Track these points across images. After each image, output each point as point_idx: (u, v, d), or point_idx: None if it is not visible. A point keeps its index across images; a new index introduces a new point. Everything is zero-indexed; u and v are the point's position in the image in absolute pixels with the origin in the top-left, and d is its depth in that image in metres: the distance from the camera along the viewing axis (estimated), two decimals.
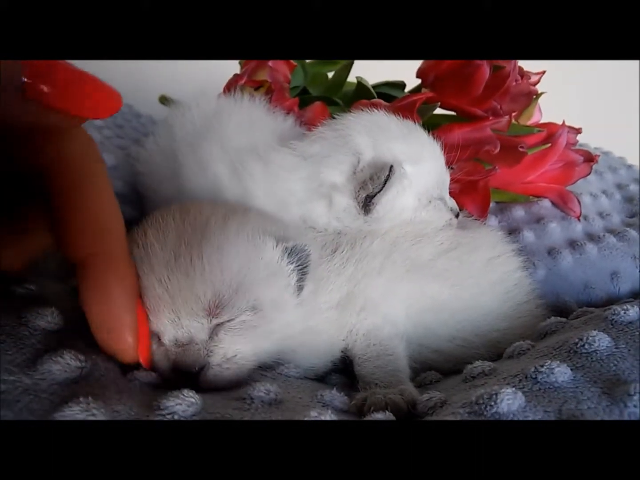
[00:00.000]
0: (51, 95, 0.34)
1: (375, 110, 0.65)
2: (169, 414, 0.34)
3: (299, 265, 0.47)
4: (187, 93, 0.72)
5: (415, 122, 0.67)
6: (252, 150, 0.61)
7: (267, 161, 0.60)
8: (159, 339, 0.43)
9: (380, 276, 0.54)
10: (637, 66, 1.50)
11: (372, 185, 0.58)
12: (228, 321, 0.43)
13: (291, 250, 0.47)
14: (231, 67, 0.85)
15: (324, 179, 0.59)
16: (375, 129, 0.62)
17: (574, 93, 1.43)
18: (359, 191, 0.59)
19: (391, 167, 0.58)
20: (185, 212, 0.45)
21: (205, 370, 0.42)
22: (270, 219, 0.51)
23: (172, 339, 0.42)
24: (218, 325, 0.43)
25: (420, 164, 0.62)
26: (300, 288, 0.48)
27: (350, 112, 0.72)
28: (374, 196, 0.58)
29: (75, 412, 0.31)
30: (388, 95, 0.76)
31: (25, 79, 0.33)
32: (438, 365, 0.54)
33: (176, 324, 0.42)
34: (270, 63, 0.75)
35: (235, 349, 0.43)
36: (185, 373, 0.42)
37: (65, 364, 0.35)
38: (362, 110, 0.66)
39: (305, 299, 0.48)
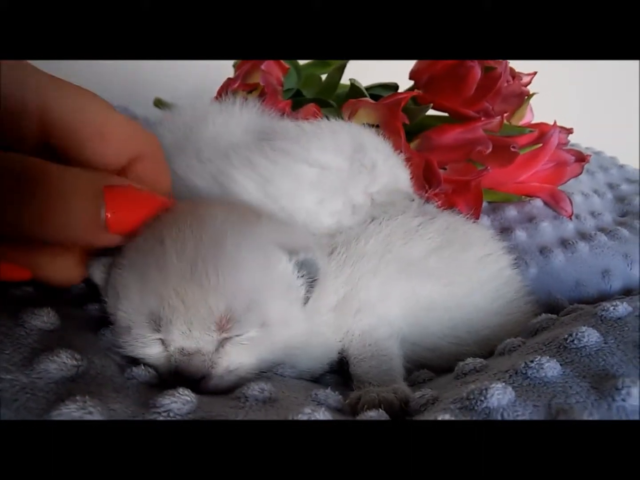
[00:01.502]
0: (130, 226, 0.41)
1: (370, 129, 0.66)
2: (164, 411, 0.34)
3: (308, 279, 0.47)
4: (184, 94, 0.72)
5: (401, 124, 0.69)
6: (231, 157, 0.60)
7: (256, 169, 0.58)
8: (164, 344, 0.43)
9: (375, 277, 0.54)
10: (631, 66, 1.51)
11: (392, 211, 0.61)
12: (236, 336, 0.43)
13: (302, 263, 0.47)
14: (227, 69, 0.85)
15: (342, 195, 0.60)
16: (383, 150, 0.64)
17: (565, 93, 1.44)
18: (378, 212, 0.61)
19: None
20: (202, 222, 0.44)
21: (206, 379, 0.42)
22: (282, 228, 0.50)
23: (179, 347, 0.42)
24: (225, 338, 0.43)
25: None
26: (306, 300, 0.48)
27: (343, 115, 0.73)
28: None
29: (71, 410, 0.31)
30: (381, 97, 0.77)
31: (109, 214, 0.38)
32: (431, 363, 0.54)
33: (186, 336, 0.42)
34: (262, 66, 0.75)
35: (239, 362, 0.44)
36: (185, 378, 0.42)
37: (61, 363, 0.36)
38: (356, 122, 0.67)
39: (310, 310, 0.48)
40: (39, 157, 0.38)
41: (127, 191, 0.41)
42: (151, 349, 0.44)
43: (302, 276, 0.47)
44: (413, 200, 0.64)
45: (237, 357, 0.44)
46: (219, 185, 0.58)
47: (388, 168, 0.63)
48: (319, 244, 0.55)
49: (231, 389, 0.42)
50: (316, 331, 0.49)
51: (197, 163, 0.59)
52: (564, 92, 1.37)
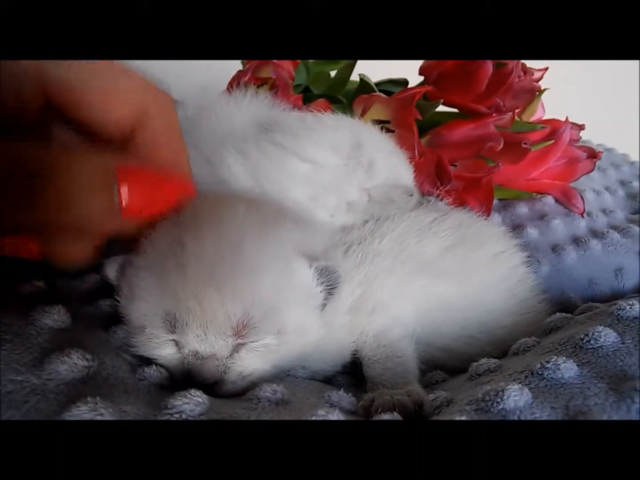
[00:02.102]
0: (145, 210, 0.39)
1: (374, 126, 0.65)
2: (176, 413, 0.34)
3: (328, 286, 0.46)
4: (191, 92, 0.72)
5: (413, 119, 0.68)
6: (226, 144, 0.59)
7: (249, 158, 0.58)
8: (178, 345, 0.43)
9: (390, 277, 0.53)
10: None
11: (391, 207, 0.60)
12: (251, 342, 0.43)
13: (321, 271, 0.46)
14: (236, 67, 0.84)
15: (335, 192, 0.59)
16: (384, 148, 0.63)
17: (576, 89, 1.43)
18: (376, 209, 0.60)
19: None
20: (222, 223, 0.43)
21: (219, 384, 0.42)
22: (303, 231, 0.49)
23: (193, 350, 0.42)
24: (240, 344, 0.43)
25: None
26: (323, 306, 0.47)
27: (352, 111, 0.72)
28: None
29: (82, 411, 0.31)
30: (391, 93, 0.76)
31: (124, 201, 0.37)
32: (445, 364, 0.54)
33: (201, 339, 0.41)
34: (274, 60, 0.75)
35: (253, 368, 0.43)
36: (197, 382, 0.41)
37: (72, 364, 0.35)
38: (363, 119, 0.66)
39: (326, 316, 0.47)
40: (44, 123, 0.37)
41: (141, 172, 0.40)
42: (164, 350, 0.43)
43: (321, 283, 0.46)
44: (412, 195, 0.63)
45: (251, 364, 0.43)
46: (211, 168, 0.57)
47: (388, 166, 0.62)
48: (337, 244, 0.54)
49: (243, 392, 0.41)
50: (330, 335, 0.48)
51: (194, 151, 0.57)
52: (575, 88, 1.36)
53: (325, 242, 0.51)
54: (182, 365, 0.43)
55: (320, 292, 0.46)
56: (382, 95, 0.72)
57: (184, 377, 0.42)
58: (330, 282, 0.46)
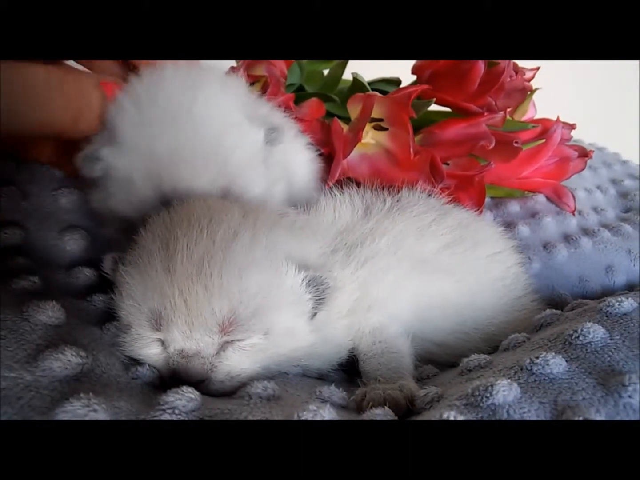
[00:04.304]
0: None
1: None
2: (169, 408, 0.34)
3: (316, 296, 0.47)
4: None
5: (408, 118, 0.67)
6: None
7: None
8: (164, 345, 0.43)
9: (388, 275, 0.54)
10: (633, 62, 1.50)
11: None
12: (238, 340, 0.43)
13: (310, 280, 0.46)
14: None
15: None
16: None
17: (567, 89, 1.44)
18: None
19: None
20: (214, 224, 0.44)
21: (206, 383, 0.42)
22: (299, 237, 0.49)
23: (178, 348, 0.42)
24: (227, 342, 0.43)
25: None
26: (313, 315, 0.47)
27: (346, 107, 0.73)
28: None
29: (76, 407, 0.31)
30: (384, 91, 0.76)
31: None
32: (438, 358, 0.54)
33: (186, 337, 0.41)
34: None
35: (241, 368, 0.43)
36: (183, 380, 0.41)
37: (66, 361, 0.35)
38: None
39: (317, 323, 0.48)
40: None
41: None
42: (150, 349, 0.43)
43: (310, 292, 0.46)
44: None
45: (239, 364, 0.43)
46: None
47: None
48: (338, 247, 0.54)
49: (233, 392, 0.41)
50: (326, 339, 0.48)
51: None
52: (566, 88, 1.36)
53: (322, 250, 0.51)
54: (168, 365, 0.43)
55: (309, 300, 0.46)
56: (377, 94, 0.72)
57: (171, 377, 0.42)
58: (318, 293, 0.46)
